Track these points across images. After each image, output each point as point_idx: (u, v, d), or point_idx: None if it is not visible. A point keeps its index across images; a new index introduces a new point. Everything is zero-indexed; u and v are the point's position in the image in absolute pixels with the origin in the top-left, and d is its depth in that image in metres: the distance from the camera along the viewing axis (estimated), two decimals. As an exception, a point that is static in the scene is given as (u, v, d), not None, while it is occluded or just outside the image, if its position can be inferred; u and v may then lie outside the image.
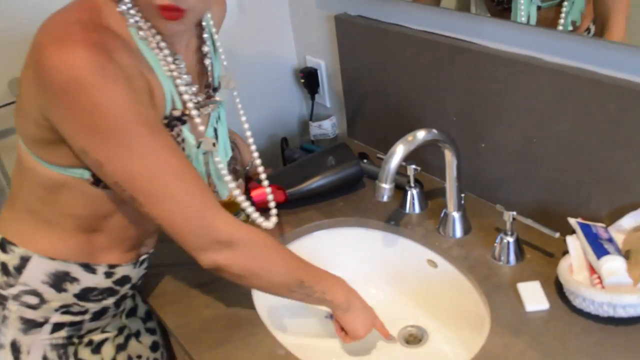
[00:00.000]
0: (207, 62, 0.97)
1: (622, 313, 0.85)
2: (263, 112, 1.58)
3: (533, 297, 0.95)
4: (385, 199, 1.01)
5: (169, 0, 0.78)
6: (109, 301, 1.01)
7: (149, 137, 0.79)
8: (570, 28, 0.94)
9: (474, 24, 1.09)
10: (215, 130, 1.00)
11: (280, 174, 1.29)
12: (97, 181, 0.87)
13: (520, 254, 1.03)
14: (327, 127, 1.53)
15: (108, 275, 0.98)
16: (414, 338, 1.10)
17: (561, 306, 0.93)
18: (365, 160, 1.33)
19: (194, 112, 0.91)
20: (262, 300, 1.08)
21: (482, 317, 0.98)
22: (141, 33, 0.84)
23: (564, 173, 1.02)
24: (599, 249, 0.90)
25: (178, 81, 0.89)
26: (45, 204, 0.92)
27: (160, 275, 1.14)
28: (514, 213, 1.01)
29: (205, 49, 0.97)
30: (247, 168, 1.29)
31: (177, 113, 0.89)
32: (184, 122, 0.91)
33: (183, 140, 0.91)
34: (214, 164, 0.99)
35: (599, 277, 0.88)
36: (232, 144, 1.25)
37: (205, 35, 0.97)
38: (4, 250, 0.94)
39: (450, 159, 1.05)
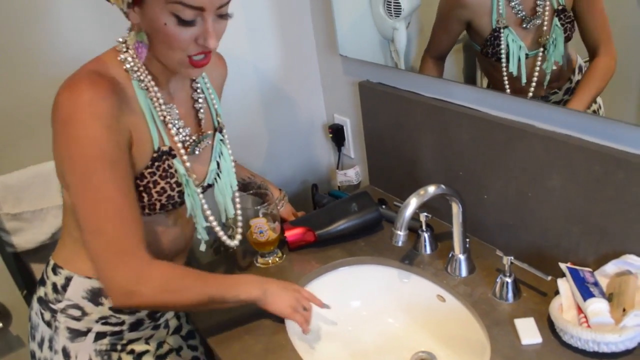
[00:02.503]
0: (197, 106, 1.04)
1: (605, 349, 0.87)
2: (296, 161, 1.63)
3: (528, 331, 0.96)
4: (400, 244, 1.04)
5: (203, 53, 0.88)
6: (141, 314, 1.05)
7: (107, 174, 0.84)
8: (554, 67, 0.98)
9: (476, 94, 1.13)
10: (219, 164, 1.08)
11: (311, 217, 1.32)
12: None
13: (517, 292, 1.05)
14: (351, 175, 1.57)
15: None
16: (425, 362, 1.12)
17: (552, 341, 0.94)
18: (384, 206, 1.37)
19: (182, 151, 0.97)
20: (293, 327, 1.11)
21: (484, 347, 1.00)
22: (142, 84, 0.92)
23: (555, 223, 1.04)
24: (586, 292, 0.92)
25: (170, 125, 0.96)
26: (78, 230, 0.95)
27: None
28: (512, 257, 1.03)
29: (196, 96, 1.04)
30: (280, 208, 1.34)
31: (165, 148, 0.95)
32: (174, 156, 0.96)
33: (176, 170, 0.97)
34: (219, 191, 1.09)
35: (585, 317, 0.90)
36: (264, 191, 1.30)
37: (198, 86, 1.04)
38: (55, 273, 1.01)
39: (456, 210, 1.08)
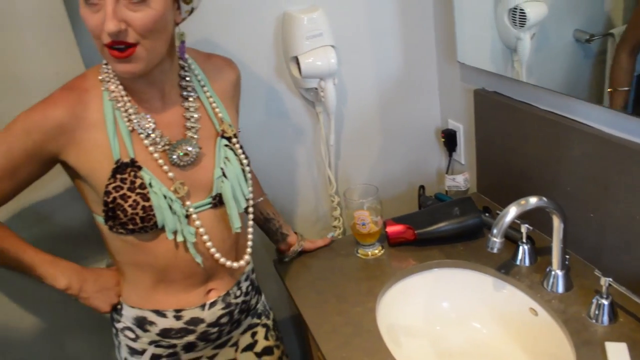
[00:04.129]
0: (187, 114, 1.00)
1: (698, 385, 0.84)
2: (406, 161, 1.67)
3: (618, 356, 0.94)
4: (495, 250, 1.06)
5: (112, 37, 0.83)
6: (190, 337, 1.06)
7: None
8: None
9: (589, 110, 1.11)
10: (224, 171, 1.02)
11: (413, 217, 1.38)
12: (108, 225, 0.96)
13: (613, 316, 1.03)
14: (460, 180, 1.59)
15: (177, 318, 1.04)
16: (510, 373, 1.13)
17: (643, 369, 0.92)
18: (487, 214, 1.38)
19: (160, 161, 0.96)
20: (383, 317, 1.18)
21: (570, 366, 1.00)
22: (112, 95, 0.94)
23: (663, 250, 1.01)
24: (686, 324, 0.89)
25: (142, 136, 0.95)
26: (118, 257, 1.04)
27: (309, 284, 1.28)
28: (610, 279, 1.01)
29: (187, 104, 1.01)
30: (303, 243, 1.38)
31: (126, 160, 0.93)
32: (140, 168, 0.94)
33: (145, 181, 0.94)
34: (226, 201, 1.01)
35: (681, 349, 0.87)
36: (285, 233, 1.35)
37: (190, 94, 1.01)
38: None
39: (557, 224, 1.08)
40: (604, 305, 1.03)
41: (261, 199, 1.30)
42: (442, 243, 1.34)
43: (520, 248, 1.23)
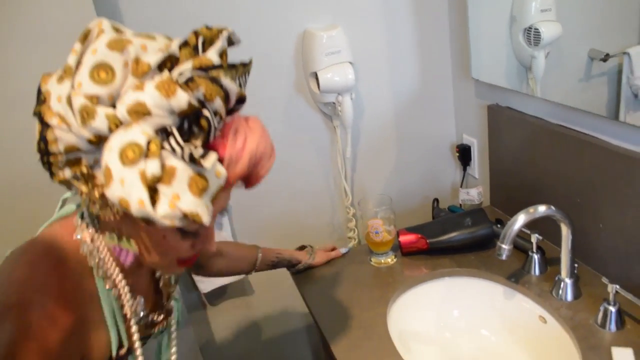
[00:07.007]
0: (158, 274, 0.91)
1: (701, 387, 0.85)
2: (421, 175, 1.71)
3: (624, 360, 0.96)
4: (504, 257, 1.09)
5: (191, 253, 0.76)
6: None
7: None
8: None
9: (600, 123, 1.14)
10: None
11: (426, 226, 1.41)
12: None
13: (620, 323, 1.04)
14: (473, 194, 1.62)
15: None
16: (519, 381, 1.15)
17: (648, 373, 0.94)
18: (499, 225, 1.41)
19: (138, 351, 0.81)
20: (394, 323, 1.21)
21: (578, 371, 1.01)
22: (109, 282, 0.76)
23: (669, 258, 1.02)
24: (690, 329, 0.90)
25: (132, 321, 0.80)
26: None
27: (322, 291, 1.32)
28: (617, 286, 1.03)
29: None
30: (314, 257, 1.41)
31: (122, 352, 0.78)
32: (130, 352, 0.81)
33: None
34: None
35: (685, 353, 0.89)
36: (310, 248, 1.41)
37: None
38: None
39: (565, 232, 1.11)
40: (611, 312, 1.04)
41: (259, 255, 1.28)
42: (454, 252, 1.37)
43: (530, 257, 1.25)
